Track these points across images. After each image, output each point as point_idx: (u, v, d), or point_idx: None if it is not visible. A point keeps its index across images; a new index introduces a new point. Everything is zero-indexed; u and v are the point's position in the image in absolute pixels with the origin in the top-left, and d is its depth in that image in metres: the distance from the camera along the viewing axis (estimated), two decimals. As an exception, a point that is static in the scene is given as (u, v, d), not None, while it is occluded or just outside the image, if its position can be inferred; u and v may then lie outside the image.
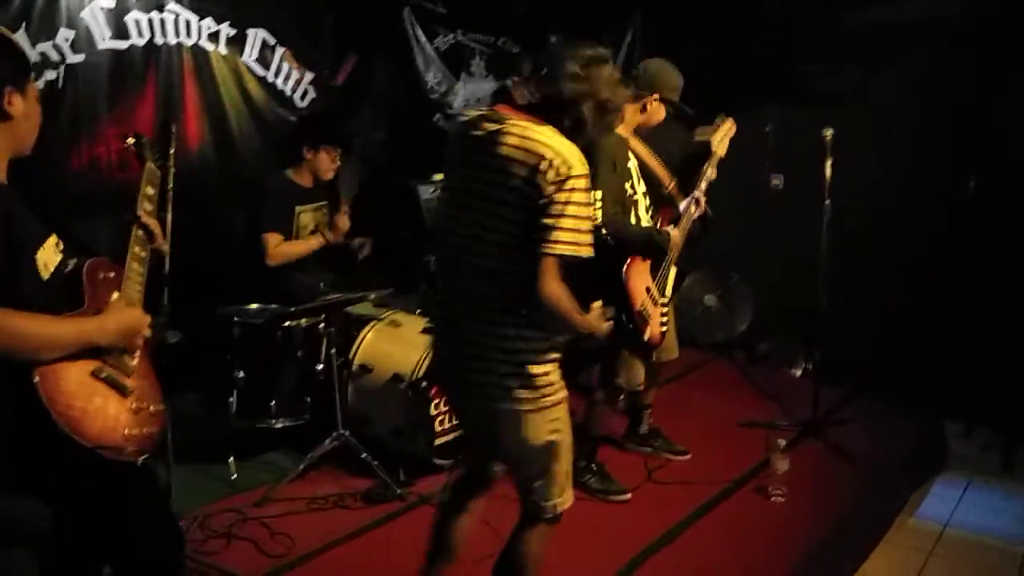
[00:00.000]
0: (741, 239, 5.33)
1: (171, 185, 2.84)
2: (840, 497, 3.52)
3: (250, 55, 4.72)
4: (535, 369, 2.06)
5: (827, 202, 4.03)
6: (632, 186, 3.31)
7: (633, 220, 3.28)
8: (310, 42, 5.00)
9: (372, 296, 3.70)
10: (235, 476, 3.44)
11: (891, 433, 4.23)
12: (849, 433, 4.13)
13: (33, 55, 3.80)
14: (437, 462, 3.46)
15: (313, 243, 4.02)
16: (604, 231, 3.09)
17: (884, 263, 4.93)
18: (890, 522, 3.53)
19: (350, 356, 3.60)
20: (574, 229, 1.96)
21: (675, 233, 3.35)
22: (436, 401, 3.45)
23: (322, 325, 3.53)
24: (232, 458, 3.47)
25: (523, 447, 2.12)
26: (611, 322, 2.26)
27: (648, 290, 3.22)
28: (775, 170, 5.49)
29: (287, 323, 3.51)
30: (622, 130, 3.36)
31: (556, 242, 1.94)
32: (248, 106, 4.77)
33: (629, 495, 3.45)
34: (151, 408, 2.03)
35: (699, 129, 3.83)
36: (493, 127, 2.05)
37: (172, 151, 2.84)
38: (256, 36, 4.73)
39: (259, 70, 4.78)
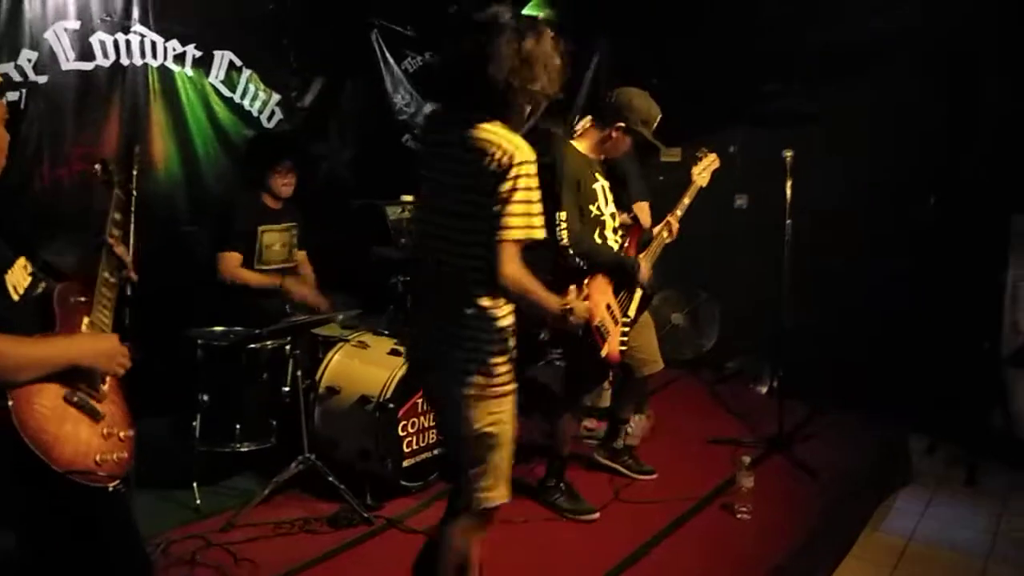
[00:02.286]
0: (709, 258, 5.41)
1: (133, 208, 2.80)
2: (805, 513, 3.56)
3: (216, 76, 4.71)
4: (493, 359, 2.15)
5: (788, 222, 4.09)
6: (599, 207, 3.34)
7: (599, 240, 3.32)
8: (277, 63, 5.01)
9: (340, 317, 3.69)
10: (199, 501, 3.38)
11: (855, 448, 4.29)
12: (814, 449, 4.19)
13: (-6, 76, 3.77)
14: (405, 484, 3.44)
15: (266, 280, 3.99)
16: (572, 251, 3.13)
17: (848, 280, 5.00)
18: (855, 537, 3.55)
19: (316, 378, 3.58)
20: (524, 213, 2.05)
21: (645, 264, 3.43)
22: (404, 423, 3.44)
23: (288, 347, 3.52)
24: (196, 483, 3.42)
25: (465, 431, 2.19)
26: (584, 310, 2.32)
27: (608, 307, 3.25)
28: (739, 190, 5.58)
29: (252, 345, 3.48)
30: (590, 151, 3.41)
31: (508, 228, 2.04)
32: (214, 127, 4.76)
33: (597, 514, 3.46)
34: (121, 433, 2.00)
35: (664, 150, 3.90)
36: (446, 131, 2.16)
37: (135, 173, 2.80)
38: (223, 58, 4.72)
39: (225, 91, 4.77)
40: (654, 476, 3.88)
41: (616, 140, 3.39)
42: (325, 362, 3.62)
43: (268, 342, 3.51)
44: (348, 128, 5.46)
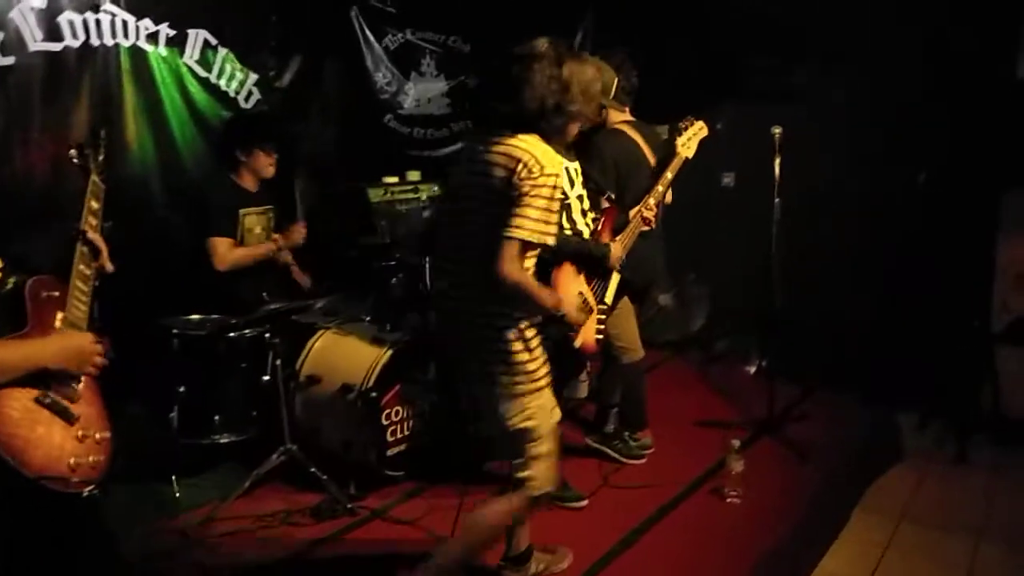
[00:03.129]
0: (696, 238, 5.33)
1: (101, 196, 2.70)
2: (796, 494, 3.53)
3: (191, 56, 4.57)
4: (517, 356, 2.31)
5: (777, 200, 4.02)
6: (562, 191, 3.25)
7: (566, 223, 3.22)
8: (254, 42, 4.87)
9: (319, 304, 3.60)
10: (179, 495, 3.32)
11: (846, 428, 4.27)
12: (804, 430, 4.15)
13: (-43, 58, 3.64)
14: (389, 474, 3.38)
15: (263, 249, 3.90)
16: None
17: (837, 257, 4.96)
18: (846, 517, 3.52)
19: (297, 366, 3.50)
20: (541, 220, 2.19)
21: (615, 245, 3.29)
22: (387, 411, 3.37)
23: (267, 335, 3.42)
24: (175, 476, 3.35)
25: (502, 426, 2.36)
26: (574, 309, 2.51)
27: (580, 295, 3.16)
28: (726, 168, 5.50)
29: (230, 334, 3.39)
30: None
31: (519, 227, 2.17)
32: (190, 109, 4.61)
33: (586, 501, 3.41)
34: (98, 435, 1.94)
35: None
36: (487, 138, 2.31)
37: (101, 158, 2.69)
38: (197, 36, 4.57)
39: (201, 71, 4.63)
40: (644, 460, 3.84)
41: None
42: (306, 350, 3.54)
43: (246, 331, 3.42)
44: (329, 108, 5.33)
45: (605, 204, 3.49)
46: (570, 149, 3.35)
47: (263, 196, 4.05)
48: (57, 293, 1.95)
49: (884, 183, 4.88)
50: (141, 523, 3.11)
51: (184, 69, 4.56)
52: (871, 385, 4.56)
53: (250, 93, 4.88)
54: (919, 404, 4.45)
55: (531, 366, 2.33)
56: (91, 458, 1.85)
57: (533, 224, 2.17)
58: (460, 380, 2.55)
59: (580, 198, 3.35)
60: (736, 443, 3.47)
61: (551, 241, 2.25)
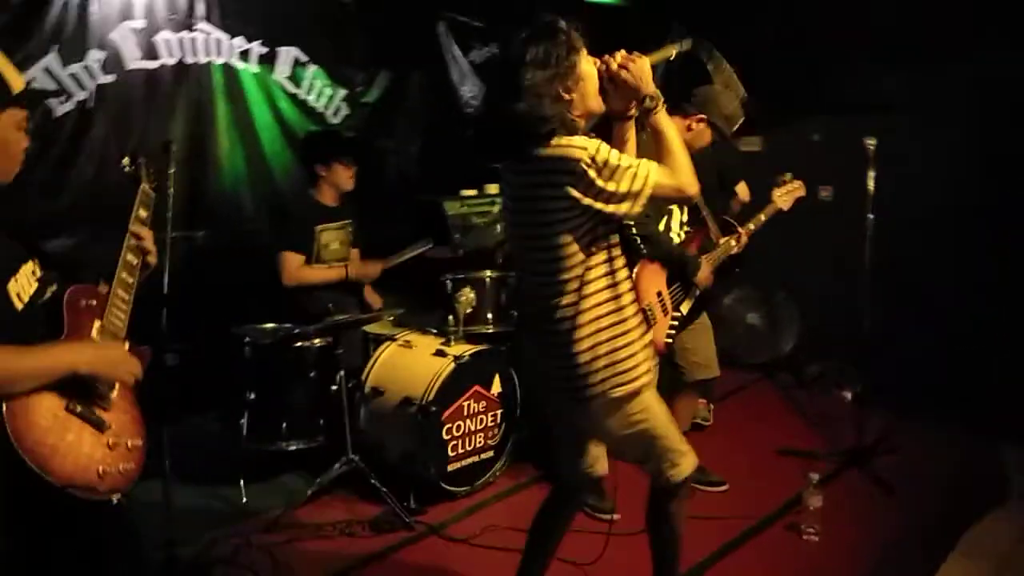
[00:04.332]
0: (789, 254, 5.07)
1: (171, 205, 2.79)
2: (881, 535, 3.27)
3: (282, 72, 4.72)
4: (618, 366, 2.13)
5: (870, 216, 3.78)
6: None
7: (663, 228, 3.35)
8: (342, 58, 4.99)
9: (387, 316, 3.61)
10: (245, 500, 3.38)
11: (943, 463, 3.94)
12: (896, 462, 3.85)
13: (64, 77, 3.87)
14: (449, 489, 3.34)
15: (333, 274, 3.96)
16: (635, 230, 2.98)
17: (941, 278, 4.62)
18: (937, 563, 3.24)
19: (363, 378, 3.52)
20: (630, 178, 2.02)
21: (705, 266, 3.38)
22: (448, 426, 3.34)
23: (335, 346, 3.45)
24: (243, 481, 3.42)
25: (615, 437, 2.24)
26: None
27: (659, 295, 3.21)
28: (823, 181, 5.21)
29: (299, 343, 3.44)
30: None
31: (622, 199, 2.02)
32: (279, 124, 4.77)
33: (617, 516, 3.29)
34: (129, 443, 1.92)
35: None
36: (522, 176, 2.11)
37: (172, 171, 2.78)
38: (288, 54, 4.73)
39: (291, 87, 4.78)
40: (725, 488, 3.66)
41: (696, 132, 3.43)
42: (372, 362, 3.56)
43: (316, 340, 3.46)
44: (414, 122, 5.40)
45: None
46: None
47: (342, 211, 4.10)
48: (95, 302, 1.97)
49: (989, 198, 4.52)
50: (208, 525, 3.18)
51: (275, 85, 4.72)
52: (975, 416, 4.21)
53: (338, 108, 5.01)
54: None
55: (620, 367, 2.13)
56: (121, 466, 1.85)
57: (626, 185, 2.00)
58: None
59: (669, 212, 3.41)
60: (815, 477, 3.25)
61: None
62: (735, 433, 4.26)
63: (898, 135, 4.12)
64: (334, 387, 3.46)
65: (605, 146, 2.02)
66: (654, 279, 3.23)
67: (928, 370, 4.44)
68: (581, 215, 2.03)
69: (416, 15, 5.25)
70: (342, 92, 5.00)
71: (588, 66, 2.07)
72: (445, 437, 3.34)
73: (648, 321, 3.02)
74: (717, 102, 3.45)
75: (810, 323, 5.16)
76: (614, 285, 2.12)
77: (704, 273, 3.35)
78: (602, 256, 2.11)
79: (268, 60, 4.65)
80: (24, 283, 1.83)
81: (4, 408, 1.66)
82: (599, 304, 2.10)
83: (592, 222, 2.06)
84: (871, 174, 3.74)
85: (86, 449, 1.79)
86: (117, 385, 1.92)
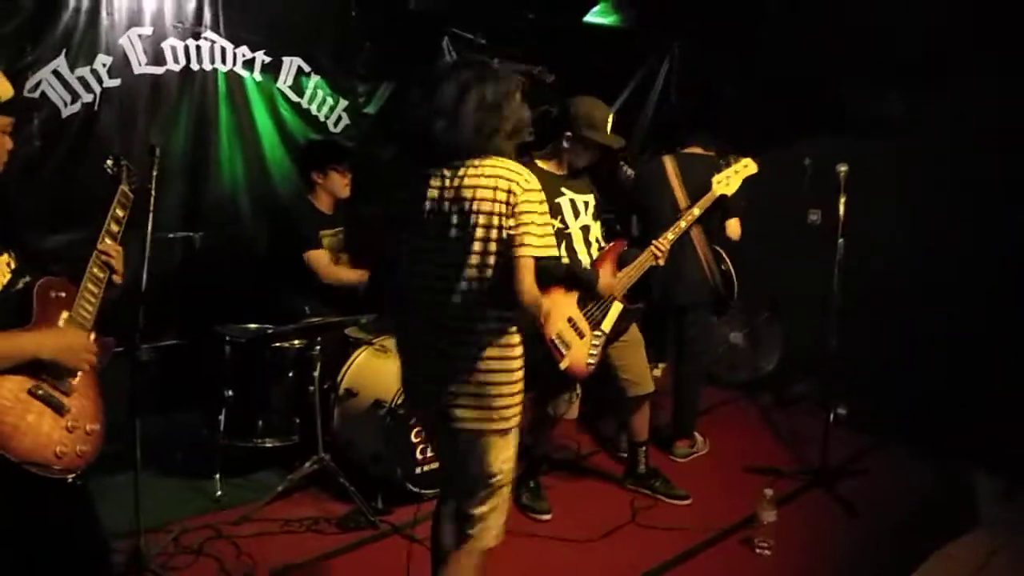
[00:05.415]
0: (776, 276, 5.14)
1: (152, 207, 2.93)
2: (836, 554, 3.33)
3: (284, 81, 4.86)
4: (502, 399, 2.23)
5: (840, 240, 3.85)
6: (563, 220, 3.30)
7: (564, 253, 3.25)
8: (345, 69, 5.12)
9: (363, 320, 3.72)
10: (219, 493, 3.50)
11: (911, 487, 3.98)
12: (864, 484, 3.90)
13: (72, 80, 4.03)
14: (414, 490, 3.44)
15: (355, 276, 4.04)
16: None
17: (922, 303, 4.66)
18: (898, 586, 3.29)
19: (337, 379, 3.63)
20: (541, 235, 2.17)
21: (605, 274, 3.27)
22: (417, 429, 3.44)
23: (316, 347, 3.57)
24: (219, 475, 3.54)
25: (475, 472, 2.28)
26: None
27: (571, 320, 3.20)
28: (814, 205, 5.28)
29: (277, 343, 3.57)
30: (555, 168, 3.36)
31: (527, 245, 2.15)
32: (281, 132, 4.88)
33: (548, 516, 3.50)
34: (88, 427, 2.06)
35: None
36: (449, 175, 2.21)
37: (155, 173, 2.93)
38: (291, 63, 4.85)
39: (293, 96, 4.91)
40: (688, 501, 3.73)
41: (569, 151, 3.33)
42: (347, 364, 3.67)
43: (295, 341, 3.58)
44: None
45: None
46: (580, 180, 3.41)
47: (336, 218, 4.22)
48: (64, 294, 2.11)
49: (982, 220, 4.56)
50: (182, 515, 3.31)
51: (277, 94, 4.84)
52: (951, 441, 4.24)
53: (339, 118, 5.12)
54: (1008, 466, 4.09)
55: (511, 402, 2.24)
56: (79, 448, 1.99)
57: (534, 240, 2.15)
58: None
59: (586, 229, 3.37)
60: (769, 492, 3.32)
61: (556, 252, 2.24)
62: (709, 450, 4.33)
63: (896, 157, 4.18)
64: (311, 387, 3.59)
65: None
66: (563, 305, 3.21)
67: (908, 395, 4.47)
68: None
69: (420, 29, 5.38)
70: (344, 102, 5.13)
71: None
72: (414, 440, 3.44)
73: (559, 349, 3.13)
74: (576, 113, 3.27)
75: (795, 343, 5.21)
76: None
77: (606, 281, 3.24)
78: None
79: (272, 69, 4.78)
80: None
81: None
82: None
83: None
84: (842, 200, 3.80)
85: (45, 429, 1.93)
86: (79, 373, 2.06)
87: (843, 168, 3.78)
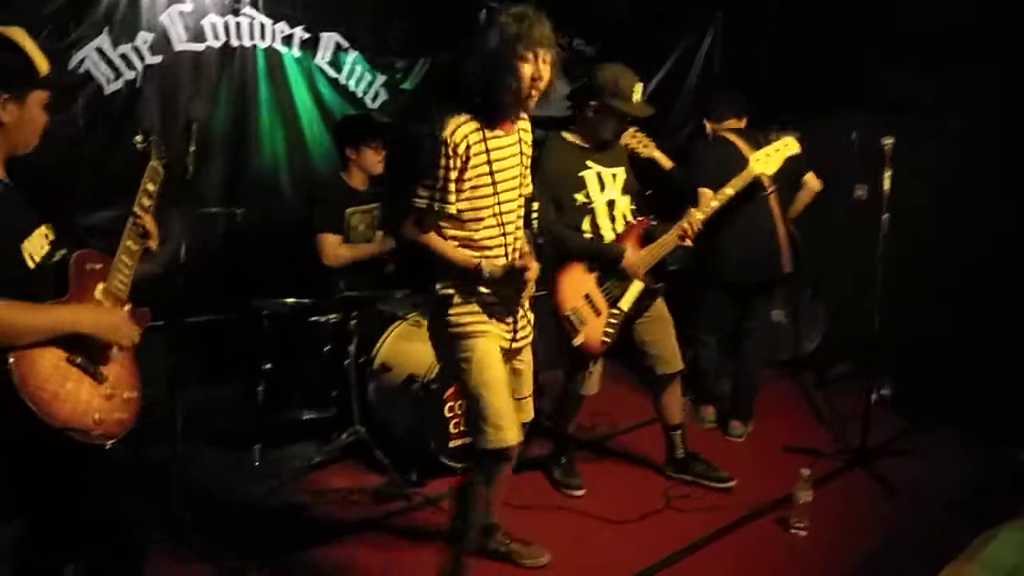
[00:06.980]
0: (821, 253, 5.02)
1: (189, 182, 2.97)
2: (874, 536, 3.26)
3: (323, 57, 4.87)
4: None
5: (885, 216, 3.73)
6: (587, 195, 3.25)
7: (587, 227, 3.25)
8: (383, 45, 5.11)
9: (399, 295, 3.73)
10: (257, 463, 3.57)
11: (953, 469, 3.87)
12: (904, 466, 3.82)
13: (114, 57, 4.10)
14: (448, 464, 3.46)
15: (367, 249, 4.08)
16: (539, 239, 3.01)
17: (973, 282, 4.52)
18: (938, 567, 3.21)
19: (372, 354, 3.66)
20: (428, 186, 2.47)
21: (631, 251, 3.25)
22: (451, 403, 3.46)
23: (352, 321, 3.60)
24: (258, 445, 3.61)
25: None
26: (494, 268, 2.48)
27: (587, 296, 3.19)
28: (860, 180, 5.13)
29: (314, 318, 3.60)
30: (581, 140, 3.31)
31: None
32: (319, 107, 4.90)
33: (582, 492, 3.51)
34: (125, 395, 2.11)
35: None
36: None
37: (192, 150, 2.96)
38: (329, 39, 4.86)
39: (331, 72, 4.92)
40: (733, 484, 3.61)
41: (595, 121, 3.26)
42: (382, 339, 3.70)
43: (331, 315, 3.62)
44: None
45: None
46: (609, 152, 3.35)
47: (370, 194, 4.24)
48: (100, 266, 2.14)
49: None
50: (220, 485, 3.38)
51: (316, 70, 4.85)
52: (997, 424, 4.11)
53: (377, 94, 5.12)
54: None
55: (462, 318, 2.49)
56: (116, 415, 2.04)
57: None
58: None
59: (611, 203, 3.32)
60: (806, 472, 3.26)
61: (421, 204, 2.45)
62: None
63: (943, 134, 4.02)
64: (347, 361, 3.62)
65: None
66: (580, 282, 3.21)
67: (953, 375, 4.35)
68: None
69: (457, 3, 5.35)
70: (382, 78, 5.13)
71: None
72: (447, 415, 3.46)
73: (574, 325, 3.12)
74: (600, 82, 3.21)
75: (839, 322, 5.10)
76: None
77: (632, 259, 3.23)
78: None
79: (310, 45, 4.79)
80: (37, 245, 2.02)
81: (11, 357, 1.85)
82: None
83: None
84: (887, 174, 3.68)
85: (84, 397, 1.98)
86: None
87: (888, 141, 3.65)
